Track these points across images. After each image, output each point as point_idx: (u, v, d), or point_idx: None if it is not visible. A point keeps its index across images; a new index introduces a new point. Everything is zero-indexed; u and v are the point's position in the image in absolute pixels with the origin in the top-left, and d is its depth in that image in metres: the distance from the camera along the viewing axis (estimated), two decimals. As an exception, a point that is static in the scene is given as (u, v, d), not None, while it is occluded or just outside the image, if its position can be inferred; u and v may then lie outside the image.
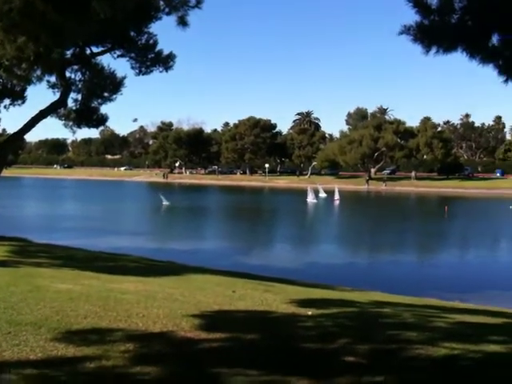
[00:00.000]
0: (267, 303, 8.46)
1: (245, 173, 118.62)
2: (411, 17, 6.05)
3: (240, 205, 60.53)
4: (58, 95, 16.81)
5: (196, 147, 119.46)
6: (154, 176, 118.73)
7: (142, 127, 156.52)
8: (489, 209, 59.85)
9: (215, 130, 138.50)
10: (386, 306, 9.80)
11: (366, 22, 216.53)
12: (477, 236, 37.09)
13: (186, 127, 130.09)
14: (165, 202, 54.25)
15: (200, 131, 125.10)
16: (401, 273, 22.90)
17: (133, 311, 6.86)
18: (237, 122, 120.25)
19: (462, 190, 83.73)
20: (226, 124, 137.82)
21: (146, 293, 8.61)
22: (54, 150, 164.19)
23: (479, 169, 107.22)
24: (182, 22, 9.21)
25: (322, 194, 67.18)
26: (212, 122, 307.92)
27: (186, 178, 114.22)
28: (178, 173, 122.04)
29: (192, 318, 6.65)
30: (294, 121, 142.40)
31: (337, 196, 63.21)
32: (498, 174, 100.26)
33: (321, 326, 6.72)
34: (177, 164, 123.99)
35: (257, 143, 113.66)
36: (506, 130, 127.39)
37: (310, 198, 61.97)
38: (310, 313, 7.61)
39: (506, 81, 5.75)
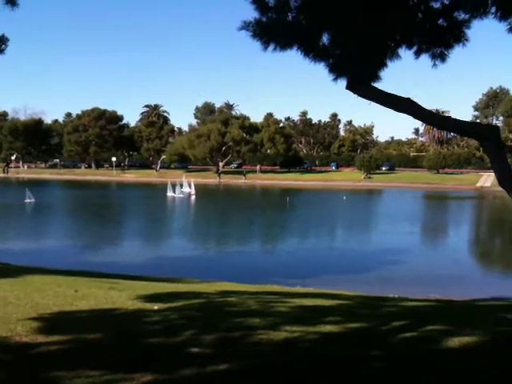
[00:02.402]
0: (112, 301, 8.21)
1: (90, 167, 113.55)
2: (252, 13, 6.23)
3: (96, 200, 57.54)
4: None
5: (35, 139, 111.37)
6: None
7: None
8: (325, 199, 64.45)
9: (56, 121, 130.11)
10: (231, 295, 10.07)
11: (212, 16, 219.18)
12: (315, 225, 39.78)
13: (22, 117, 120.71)
14: (28, 200, 49.29)
15: (39, 122, 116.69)
16: (247, 262, 23.71)
17: (-41, 319, 6.20)
18: (80, 112, 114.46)
19: (302, 182, 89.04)
20: (69, 115, 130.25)
21: (-25, 298, 7.84)
22: None
23: (317, 162, 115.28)
24: (11, 2, 8.37)
25: (186, 189, 64.72)
26: (52, 112, 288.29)
27: (24, 172, 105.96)
28: (15, 167, 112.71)
29: (29, 322, 6.21)
30: (141, 113, 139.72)
31: (193, 190, 63.01)
32: (333, 167, 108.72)
33: (167, 319, 6.69)
34: (13, 157, 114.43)
35: (102, 135, 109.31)
36: (341, 126, 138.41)
37: (177, 193, 60.71)
38: (156, 307, 7.53)
39: (335, 79, 6.18)
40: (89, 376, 4.33)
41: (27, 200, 49.26)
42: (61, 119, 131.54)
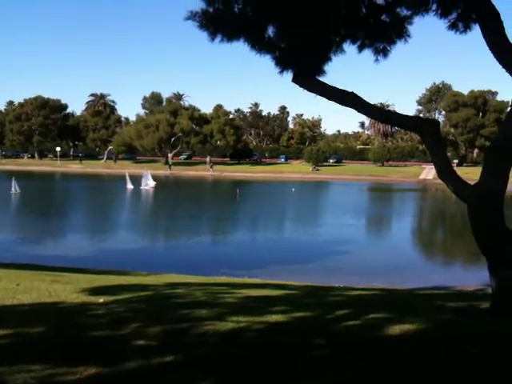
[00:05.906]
0: (56, 294, 8.02)
1: (33, 157, 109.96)
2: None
3: (53, 193, 55.76)
4: None
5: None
6: None
7: None
8: (274, 191, 64.95)
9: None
10: (179, 286, 10.04)
11: (161, 5, 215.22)
12: (264, 216, 40.07)
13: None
14: (14, 190, 49.50)
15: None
16: (196, 255, 23.62)
17: None
18: (23, 101, 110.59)
19: (251, 174, 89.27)
20: (11, 103, 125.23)
21: None
22: None
23: (266, 154, 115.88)
24: None
25: (151, 182, 60.59)
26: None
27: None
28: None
29: (-34, 317, 5.99)
30: (87, 102, 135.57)
31: (152, 183, 60.32)
32: (283, 160, 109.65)
33: (113, 312, 6.60)
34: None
35: (46, 125, 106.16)
36: (289, 119, 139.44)
37: (143, 185, 58.80)
38: (101, 300, 7.42)
39: (281, 72, 6.22)
40: (30, 371, 4.23)
41: (13, 191, 49.69)
42: (2, 108, 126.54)
